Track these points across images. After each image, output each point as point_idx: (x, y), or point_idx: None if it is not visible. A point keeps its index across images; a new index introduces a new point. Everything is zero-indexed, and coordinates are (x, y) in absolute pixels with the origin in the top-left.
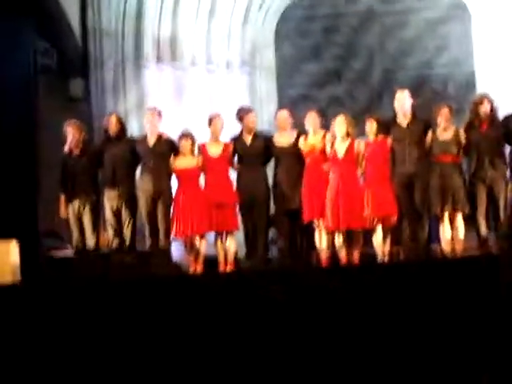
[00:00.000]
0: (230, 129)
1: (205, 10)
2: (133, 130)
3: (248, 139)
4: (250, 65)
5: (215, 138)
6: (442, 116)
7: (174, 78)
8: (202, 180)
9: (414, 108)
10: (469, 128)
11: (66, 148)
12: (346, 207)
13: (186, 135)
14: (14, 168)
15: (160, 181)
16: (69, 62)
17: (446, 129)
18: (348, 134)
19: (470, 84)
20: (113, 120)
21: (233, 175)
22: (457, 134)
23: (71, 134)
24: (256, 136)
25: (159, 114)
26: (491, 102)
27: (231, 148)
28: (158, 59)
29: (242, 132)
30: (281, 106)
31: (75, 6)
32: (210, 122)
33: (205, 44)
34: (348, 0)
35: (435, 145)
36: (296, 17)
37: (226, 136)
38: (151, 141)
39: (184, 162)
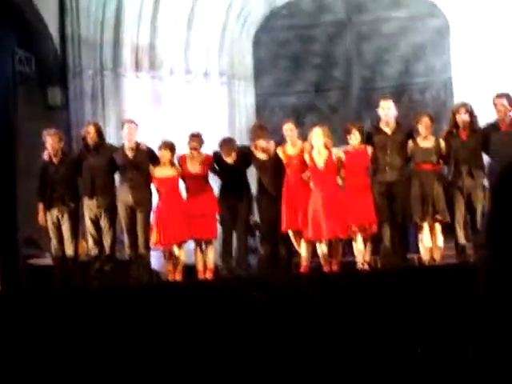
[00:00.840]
0: (209, 140)
1: (183, 20)
2: (111, 139)
3: (229, 159)
4: (229, 75)
5: (193, 155)
6: (423, 125)
7: (152, 86)
8: (182, 188)
9: (396, 117)
10: (448, 136)
11: (45, 156)
12: (328, 217)
13: (165, 145)
14: None
15: (139, 191)
16: (47, 71)
17: (426, 137)
18: (326, 145)
19: (447, 92)
20: (92, 130)
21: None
22: (437, 143)
23: (50, 142)
24: (237, 153)
25: (136, 124)
26: (470, 111)
27: (211, 161)
28: (137, 68)
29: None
30: (259, 116)
31: (54, 15)
32: (189, 140)
33: (183, 53)
34: (325, 10)
35: (416, 153)
36: (274, 27)
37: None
38: (129, 151)
39: (163, 171)
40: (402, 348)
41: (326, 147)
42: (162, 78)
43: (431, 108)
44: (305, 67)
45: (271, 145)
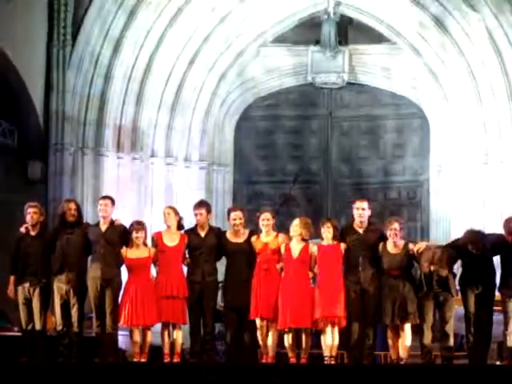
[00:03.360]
0: (187, 220)
1: (167, 104)
2: (88, 217)
3: (202, 233)
4: (208, 160)
5: (171, 229)
6: (392, 231)
7: (132, 167)
8: (152, 270)
9: (369, 218)
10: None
11: (23, 229)
12: (295, 307)
13: (138, 226)
14: None
15: (109, 268)
16: (29, 144)
17: (395, 244)
18: (303, 237)
19: (423, 193)
20: (72, 206)
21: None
22: (406, 249)
23: (31, 215)
24: (210, 231)
25: (113, 201)
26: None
27: (186, 240)
28: (118, 148)
29: (196, 225)
30: (236, 202)
31: (40, 89)
32: (164, 213)
33: (165, 137)
34: (308, 103)
35: (384, 258)
36: (256, 116)
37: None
38: (103, 227)
39: (136, 252)
40: None
41: (303, 239)
42: (142, 160)
43: (407, 207)
44: (284, 158)
45: (246, 232)
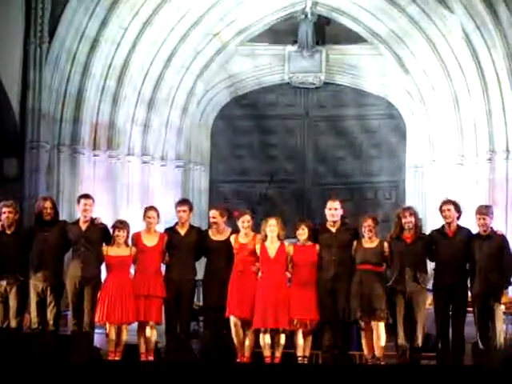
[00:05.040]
0: (165, 220)
1: (144, 102)
2: (63, 214)
3: (182, 231)
4: (185, 158)
5: (149, 229)
6: (366, 227)
7: (108, 165)
8: (131, 270)
9: (343, 217)
10: (393, 239)
11: None
12: (273, 307)
13: (121, 225)
14: None
15: (89, 267)
16: (5, 142)
17: (370, 238)
18: (278, 236)
19: (399, 193)
20: (48, 204)
21: (163, 267)
22: (381, 245)
23: (6, 215)
24: (190, 229)
25: (93, 200)
26: (414, 215)
27: (165, 239)
28: (94, 146)
29: (176, 224)
30: (213, 201)
31: (16, 86)
32: (145, 213)
33: (141, 135)
34: (284, 102)
35: (358, 253)
36: (233, 115)
37: (161, 227)
38: (83, 226)
39: (117, 250)
40: None
41: (279, 238)
42: (118, 158)
43: (382, 208)
44: (260, 157)
45: (227, 232)
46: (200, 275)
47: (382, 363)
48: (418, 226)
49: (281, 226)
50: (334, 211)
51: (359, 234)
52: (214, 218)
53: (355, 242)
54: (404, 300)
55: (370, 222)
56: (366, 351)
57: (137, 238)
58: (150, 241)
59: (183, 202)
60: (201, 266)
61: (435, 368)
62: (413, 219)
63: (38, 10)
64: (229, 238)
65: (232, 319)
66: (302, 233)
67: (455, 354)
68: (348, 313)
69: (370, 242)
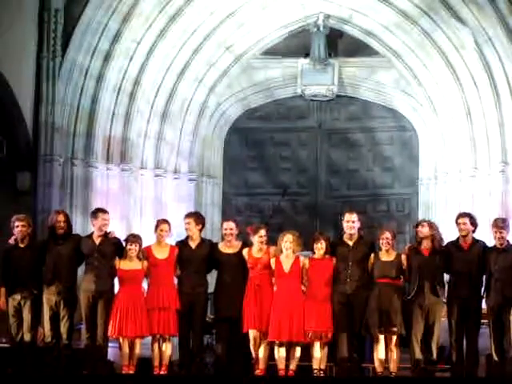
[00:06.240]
0: (175, 232)
1: (157, 115)
2: (76, 228)
3: (193, 245)
4: (198, 171)
5: (160, 242)
6: (384, 239)
7: (121, 179)
8: (144, 284)
9: (359, 230)
10: (410, 252)
11: (11, 240)
12: (289, 321)
13: (133, 239)
14: None
15: (102, 280)
16: (18, 155)
17: (387, 252)
18: (294, 251)
19: (412, 205)
20: (61, 218)
21: (175, 280)
22: (399, 258)
23: (20, 227)
24: (201, 242)
25: (108, 214)
26: (430, 226)
27: (176, 252)
28: (107, 160)
29: (187, 237)
30: (225, 214)
31: (29, 100)
32: (157, 226)
33: (154, 148)
34: (297, 115)
35: (376, 267)
36: (246, 128)
37: (172, 240)
38: (97, 240)
39: (129, 264)
40: None
41: (294, 252)
42: (131, 171)
43: (395, 220)
44: (273, 170)
45: (239, 244)
46: (211, 288)
47: (395, 375)
48: (436, 239)
49: (297, 243)
50: (351, 223)
51: (375, 247)
52: (230, 229)
53: (372, 255)
54: (422, 313)
55: (387, 234)
56: (376, 364)
57: (148, 252)
58: (161, 253)
59: (188, 215)
60: (212, 278)
61: (449, 380)
62: (426, 230)
63: (51, 24)
64: (240, 250)
65: (251, 333)
66: (320, 247)
67: (469, 365)
68: (365, 326)
69: (387, 255)
